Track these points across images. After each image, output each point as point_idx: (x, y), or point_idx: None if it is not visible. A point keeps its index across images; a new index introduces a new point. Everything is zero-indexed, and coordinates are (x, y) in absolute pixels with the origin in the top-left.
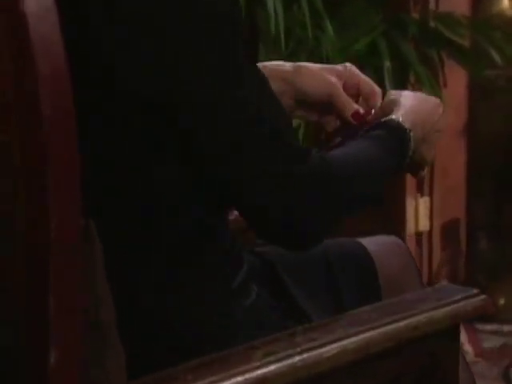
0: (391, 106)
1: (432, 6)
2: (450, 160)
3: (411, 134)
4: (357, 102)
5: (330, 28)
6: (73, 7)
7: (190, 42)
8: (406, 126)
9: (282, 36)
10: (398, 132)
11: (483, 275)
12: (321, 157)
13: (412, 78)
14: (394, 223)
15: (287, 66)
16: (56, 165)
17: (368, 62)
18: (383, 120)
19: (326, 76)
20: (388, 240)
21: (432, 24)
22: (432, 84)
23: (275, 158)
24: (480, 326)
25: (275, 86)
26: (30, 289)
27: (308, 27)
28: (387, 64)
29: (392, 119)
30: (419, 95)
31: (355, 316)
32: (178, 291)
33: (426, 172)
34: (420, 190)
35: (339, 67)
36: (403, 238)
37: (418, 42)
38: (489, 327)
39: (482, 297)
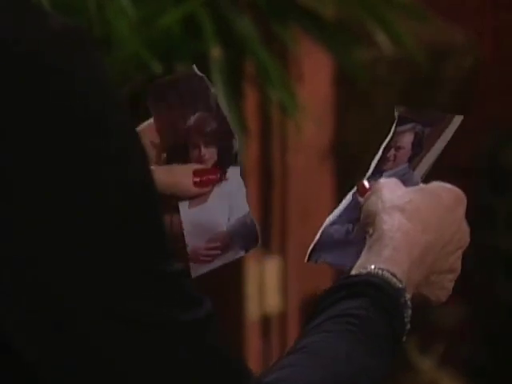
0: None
1: None
2: (312, 194)
3: (407, 295)
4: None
5: None
6: None
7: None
8: (400, 282)
9: None
10: (387, 299)
11: None
12: None
13: (251, 70)
14: (226, 303)
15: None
16: None
17: (184, 47)
18: (358, 274)
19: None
20: None
21: None
22: (283, 78)
23: None
24: None
25: None
26: None
27: None
28: (215, 50)
29: (375, 274)
30: (424, 196)
31: None
32: None
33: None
34: (266, 245)
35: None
36: (241, 327)
37: (260, 13)
38: None
39: None
